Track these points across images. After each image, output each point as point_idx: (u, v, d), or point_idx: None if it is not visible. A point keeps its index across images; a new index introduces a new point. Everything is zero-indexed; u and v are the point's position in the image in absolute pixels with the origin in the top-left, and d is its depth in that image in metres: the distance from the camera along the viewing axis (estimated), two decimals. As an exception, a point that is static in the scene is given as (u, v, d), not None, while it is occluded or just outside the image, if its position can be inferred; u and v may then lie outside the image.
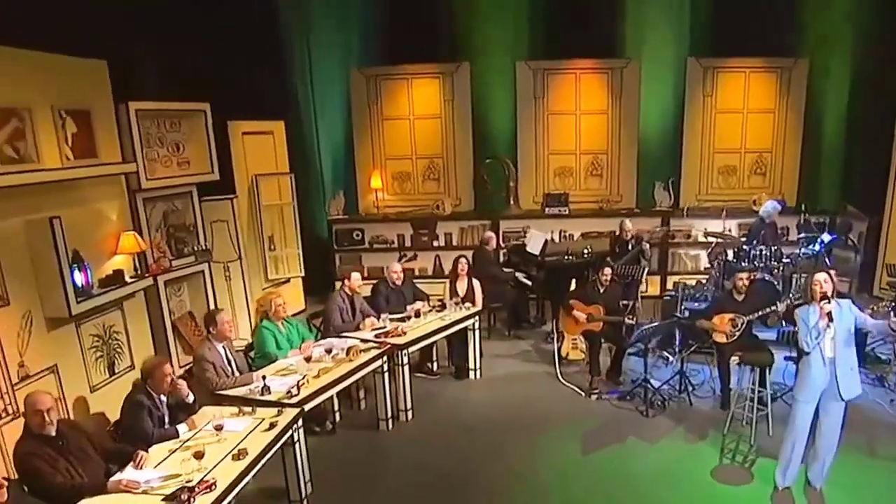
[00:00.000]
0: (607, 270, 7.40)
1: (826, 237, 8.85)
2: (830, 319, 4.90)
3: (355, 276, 7.14)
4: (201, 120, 7.82)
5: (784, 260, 8.59)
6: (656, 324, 6.80)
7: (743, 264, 8.44)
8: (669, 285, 9.86)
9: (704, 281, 9.13)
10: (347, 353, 6.15)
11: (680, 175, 10.50)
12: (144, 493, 4.04)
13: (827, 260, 8.68)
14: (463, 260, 8.01)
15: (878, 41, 9.30)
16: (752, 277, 6.90)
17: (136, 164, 6.73)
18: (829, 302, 4.97)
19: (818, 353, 4.97)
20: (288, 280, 9.66)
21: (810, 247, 8.77)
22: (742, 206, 10.07)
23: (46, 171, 5.67)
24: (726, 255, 8.81)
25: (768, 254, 8.50)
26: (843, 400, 5.00)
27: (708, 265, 9.44)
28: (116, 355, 6.36)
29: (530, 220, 10.31)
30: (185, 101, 7.71)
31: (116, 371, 6.33)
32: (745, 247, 8.64)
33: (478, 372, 7.70)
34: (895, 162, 9.36)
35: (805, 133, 10.31)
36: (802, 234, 9.05)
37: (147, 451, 4.48)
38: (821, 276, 5.06)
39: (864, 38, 9.66)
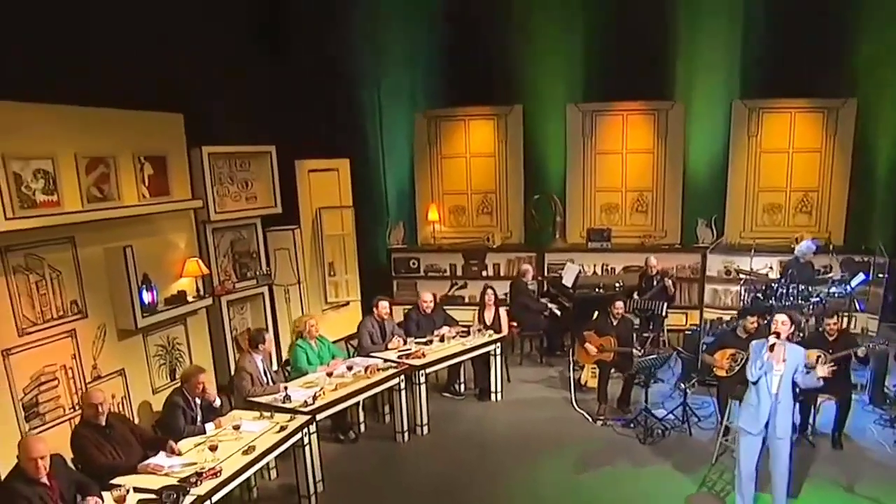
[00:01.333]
0: (619, 304, 7.90)
1: (859, 277, 8.94)
2: (772, 352, 5.30)
3: (383, 304, 8.00)
4: (268, 160, 8.95)
5: (813, 299, 8.74)
6: (654, 356, 7.23)
7: (771, 302, 8.70)
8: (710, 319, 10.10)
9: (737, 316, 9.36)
10: (365, 371, 7.00)
11: (724, 212, 10.75)
12: (166, 475, 5.00)
13: (857, 301, 8.79)
14: (490, 291, 8.73)
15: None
16: (761, 321, 7.16)
17: (202, 200, 7.84)
18: (779, 339, 5.36)
19: (765, 387, 5.37)
20: (347, 303, 10.63)
21: (841, 286, 8.89)
22: (784, 245, 10.18)
23: (124, 208, 6.83)
24: (755, 293, 9.04)
25: (795, 292, 8.69)
26: (778, 438, 5.37)
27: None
28: (178, 363, 7.46)
29: (575, 253, 10.87)
30: (256, 144, 8.87)
31: (177, 377, 7.42)
32: (773, 285, 8.87)
33: (499, 394, 8.34)
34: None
35: (853, 172, 10.32)
36: (830, 274, 9.16)
37: (177, 443, 5.47)
38: (780, 318, 5.48)
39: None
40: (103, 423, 5.26)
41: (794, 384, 5.38)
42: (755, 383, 5.44)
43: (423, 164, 11.79)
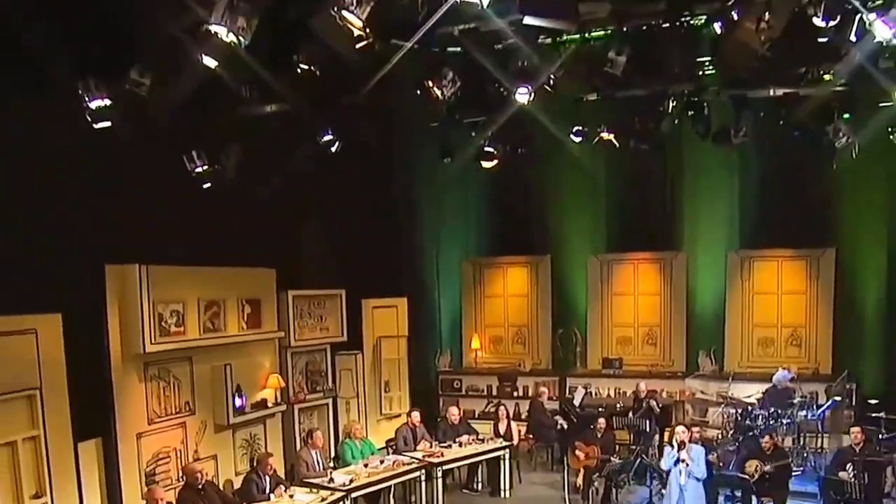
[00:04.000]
0: (601, 421, 9.84)
1: (829, 402, 10.44)
2: (682, 459, 7.17)
3: (414, 414, 10.28)
4: (338, 300, 11.56)
5: (785, 421, 10.26)
6: (620, 462, 9.01)
7: (747, 423, 10.32)
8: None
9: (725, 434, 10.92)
10: (392, 465, 9.16)
11: (723, 345, 12.43)
12: (238, 523, 7.32)
13: (820, 423, 10.29)
14: (502, 407, 10.85)
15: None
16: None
17: (284, 331, 10.42)
18: (683, 448, 7.23)
19: (675, 480, 7.20)
20: (399, 415, 12.79)
21: (811, 410, 10.40)
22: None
23: (228, 337, 9.47)
24: (736, 415, 10.65)
25: (767, 414, 10.26)
26: None
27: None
28: (256, 453, 9.81)
29: (592, 378, 12.77)
30: (330, 288, 11.50)
31: (254, 464, 9.76)
32: (749, 408, 10.49)
33: (508, 492, 10.19)
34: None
35: (836, 310, 11.85)
36: (802, 399, 10.61)
37: (249, 505, 7.79)
38: (679, 429, 7.39)
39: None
40: (200, 487, 7.66)
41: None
42: (668, 473, 7.28)
43: (468, 301, 14.20)
